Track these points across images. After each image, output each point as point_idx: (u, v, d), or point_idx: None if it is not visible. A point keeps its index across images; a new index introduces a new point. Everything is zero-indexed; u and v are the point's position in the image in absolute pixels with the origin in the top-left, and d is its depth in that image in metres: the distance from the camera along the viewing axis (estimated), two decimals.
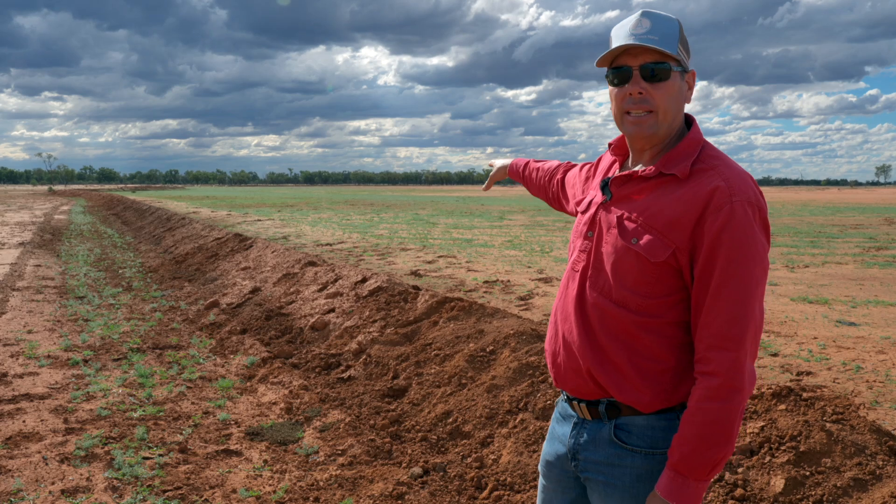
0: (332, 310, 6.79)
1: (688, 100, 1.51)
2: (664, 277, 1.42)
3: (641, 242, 1.43)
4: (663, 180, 1.46)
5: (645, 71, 1.44)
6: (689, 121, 1.54)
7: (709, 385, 1.37)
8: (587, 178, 1.80)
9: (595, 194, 1.62)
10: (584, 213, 1.64)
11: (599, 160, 1.77)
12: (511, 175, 2.33)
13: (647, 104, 1.45)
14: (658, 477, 1.46)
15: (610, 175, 1.62)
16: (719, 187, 1.37)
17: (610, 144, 1.68)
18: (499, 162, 2.40)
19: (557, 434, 1.66)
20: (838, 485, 2.72)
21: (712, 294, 1.37)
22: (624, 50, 1.45)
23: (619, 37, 1.47)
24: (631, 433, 1.49)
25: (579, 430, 1.57)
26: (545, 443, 1.72)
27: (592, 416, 1.54)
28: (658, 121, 1.47)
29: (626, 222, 1.47)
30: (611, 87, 1.51)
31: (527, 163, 2.26)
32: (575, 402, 1.58)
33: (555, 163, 2.12)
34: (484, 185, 2.48)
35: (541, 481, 1.73)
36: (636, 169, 1.52)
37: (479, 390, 4.28)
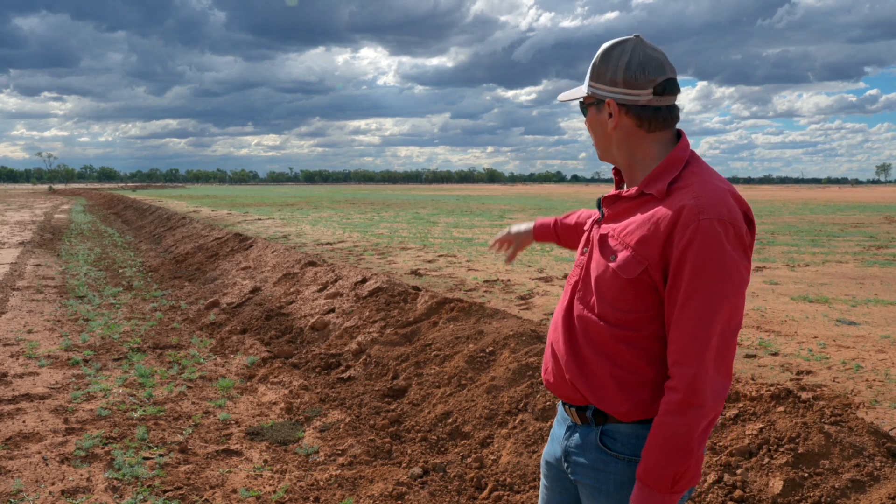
0: (332, 310, 6.80)
1: (616, 125, 1.52)
2: (641, 293, 1.46)
3: (617, 259, 1.48)
4: (644, 199, 1.51)
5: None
6: (680, 135, 1.57)
7: (670, 399, 1.40)
8: None
9: (595, 213, 1.70)
10: (585, 230, 1.72)
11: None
12: (539, 238, 2.10)
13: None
14: None
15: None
16: (687, 206, 1.40)
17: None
18: (515, 228, 2.15)
19: (556, 436, 1.71)
20: (836, 486, 2.73)
21: (678, 310, 1.40)
22: None
23: None
24: (616, 440, 1.53)
25: (571, 433, 1.63)
26: (547, 443, 1.77)
27: (581, 420, 1.59)
28: (597, 150, 1.62)
29: (608, 240, 1.53)
30: None
31: (555, 219, 2.08)
32: (567, 407, 1.64)
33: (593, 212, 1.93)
34: (506, 259, 2.16)
35: (542, 481, 1.78)
36: (622, 189, 1.60)
37: (479, 391, 4.28)
